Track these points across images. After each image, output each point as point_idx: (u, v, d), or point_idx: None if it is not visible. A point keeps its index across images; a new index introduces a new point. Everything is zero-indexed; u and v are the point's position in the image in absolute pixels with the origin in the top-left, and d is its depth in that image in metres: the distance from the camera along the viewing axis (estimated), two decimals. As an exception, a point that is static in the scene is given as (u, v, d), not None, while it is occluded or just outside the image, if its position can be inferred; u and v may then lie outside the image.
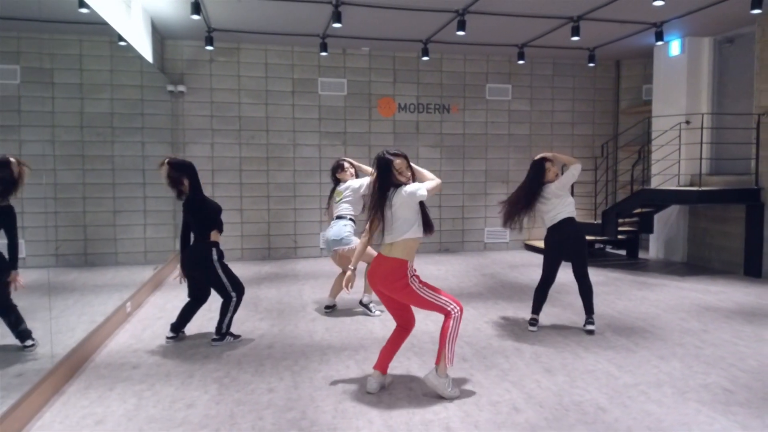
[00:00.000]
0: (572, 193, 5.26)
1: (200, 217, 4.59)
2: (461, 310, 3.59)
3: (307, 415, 3.31)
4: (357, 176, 5.58)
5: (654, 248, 8.90)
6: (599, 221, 8.17)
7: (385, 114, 9.11)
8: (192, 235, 4.70)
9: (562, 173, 4.96)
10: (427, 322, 5.03)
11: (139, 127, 7.10)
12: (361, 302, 5.54)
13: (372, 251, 5.33)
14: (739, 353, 4.38)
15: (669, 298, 6.15)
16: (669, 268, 8.02)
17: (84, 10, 4.87)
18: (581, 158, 9.19)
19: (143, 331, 4.98)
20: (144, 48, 6.74)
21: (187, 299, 4.79)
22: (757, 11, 5.96)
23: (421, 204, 3.60)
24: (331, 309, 5.63)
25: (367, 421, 3.24)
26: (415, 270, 3.60)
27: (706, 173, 7.74)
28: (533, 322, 5.02)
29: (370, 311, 5.46)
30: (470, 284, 6.96)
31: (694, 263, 8.22)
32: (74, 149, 5.87)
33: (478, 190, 9.57)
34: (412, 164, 3.65)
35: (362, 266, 5.57)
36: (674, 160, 7.71)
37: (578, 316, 5.28)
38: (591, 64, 8.94)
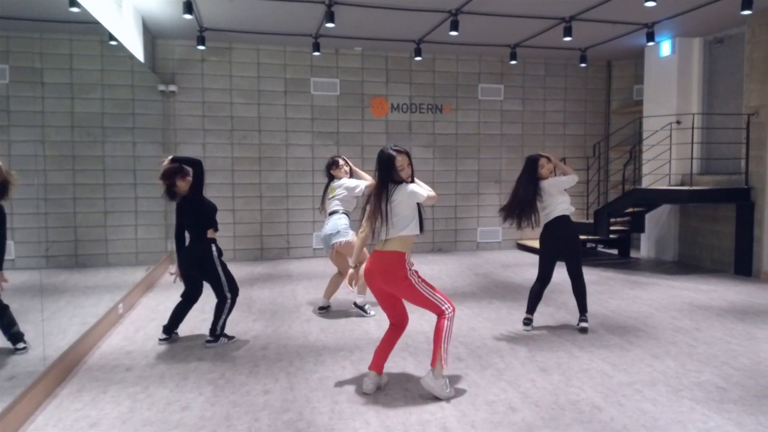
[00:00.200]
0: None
1: (199, 217, 4.56)
2: (454, 310, 3.63)
3: (304, 417, 3.29)
4: (351, 175, 5.56)
5: (645, 247, 8.96)
6: (591, 221, 8.21)
7: (378, 114, 9.10)
8: (188, 235, 4.67)
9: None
10: (421, 322, 5.03)
11: (130, 127, 7.04)
12: (355, 304, 5.52)
13: (365, 252, 5.34)
14: (731, 351, 4.41)
15: (661, 297, 6.19)
16: (660, 267, 8.08)
17: (74, 9, 4.82)
18: (573, 158, 9.26)
19: (136, 333, 4.94)
20: (135, 47, 6.68)
21: (178, 300, 4.76)
22: (747, 12, 6.01)
23: (418, 204, 3.62)
24: (325, 310, 5.62)
25: (364, 421, 3.23)
26: (413, 264, 3.61)
27: (696, 173, 7.80)
28: (527, 321, 5.04)
29: (366, 312, 5.45)
30: (464, 284, 6.97)
31: (685, 262, 8.29)
32: (64, 149, 5.81)
33: (471, 189, 9.59)
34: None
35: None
36: (665, 160, 7.76)
37: (572, 315, 5.30)
38: (583, 65, 8.98)
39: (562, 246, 4.92)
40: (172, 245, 8.24)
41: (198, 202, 4.57)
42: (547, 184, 4.86)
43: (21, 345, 3.79)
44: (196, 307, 4.83)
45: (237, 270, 7.61)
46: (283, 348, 4.53)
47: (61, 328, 4.48)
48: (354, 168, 5.60)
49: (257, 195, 8.68)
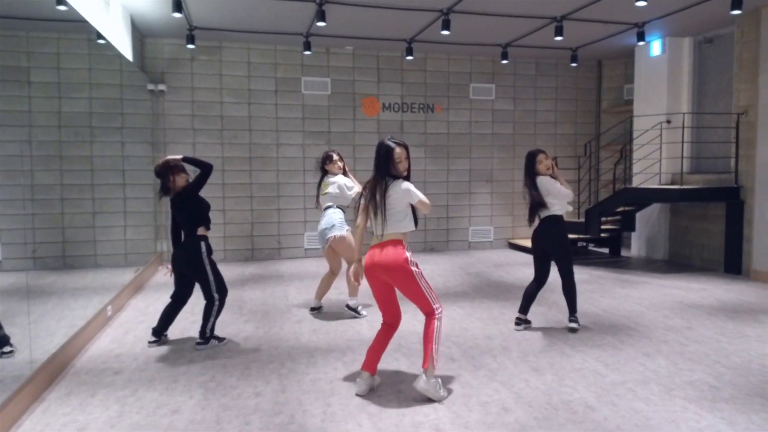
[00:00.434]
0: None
1: (191, 214, 4.51)
2: (442, 311, 3.63)
3: (296, 419, 3.26)
4: (345, 171, 5.50)
5: (636, 246, 9.00)
6: (582, 220, 8.23)
7: (370, 113, 9.07)
8: (183, 233, 4.62)
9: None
10: (413, 322, 5.01)
11: (119, 127, 6.98)
12: (348, 306, 5.48)
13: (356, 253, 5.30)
14: (722, 350, 4.43)
15: (652, 296, 6.22)
16: (651, 265, 8.12)
17: (62, 7, 4.76)
18: (564, 157, 9.27)
19: (125, 335, 4.87)
20: (123, 46, 6.61)
21: (168, 301, 4.71)
22: (736, 12, 6.04)
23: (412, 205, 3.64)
24: (316, 311, 5.58)
25: (357, 424, 3.21)
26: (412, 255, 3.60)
27: (686, 172, 7.84)
28: (518, 321, 5.03)
29: (358, 313, 5.41)
30: (456, 283, 6.96)
31: (676, 261, 8.33)
32: (52, 149, 5.75)
33: (463, 189, 9.59)
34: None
35: (344, 267, 5.55)
36: (655, 159, 7.80)
37: (564, 315, 5.28)
38: (573, 64, 9.00)
39: (551, 245, 4.92)
40: (161, 246, 8.22)
41: (192, 199, 4.53)
42: (538, 181, 4.85)
43: (7, 349, 3.73)
44: (185, 308, 4.78)
45: (228, 271, 7.58)
46: (274, 349, 4.49)
47: (49, 331, 4.42)
48: (347, 168, 5.56)
49: (248, 195, 8.62)
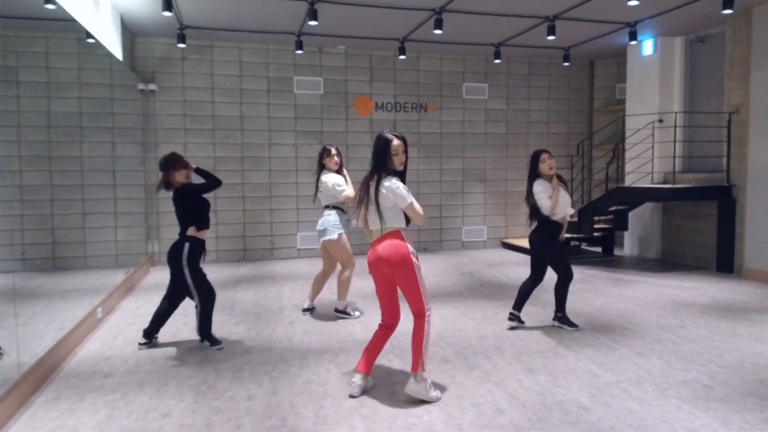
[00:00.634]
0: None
1: (184, 211, 4.44)
2: (431, 313, 3.59)
3: (288, 422, 3.23)
4: (341, 168, 5.36)
5: (629, 245, 9.02)
6: (575, 219, 8.23)
7: (362, 113, 9.04)
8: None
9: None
10: (407, 323, 4.96)
11: (109, 127, 6.91)
12: (336, 310, 5.42)
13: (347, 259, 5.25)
14: (716, 349, 4.43)
15: (645, 295, 6.22)
16: (644, 264, 8.13)
17: (50, 6, 4.70)
18: (557, 156, 9.20)
19: (115, 338, 4.82)
20: (113, 45, 6.54)
21: (161, 303, 4.65)
22: (728, 11, 6.05)
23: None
24: (309, 312, 5.54)
25: (349, 426, 3.17)
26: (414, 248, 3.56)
27: (679, 171, 7.86)
28: (511, 317, 5.01)
29: (350, 314, 5.38)
30: (449, 283, 6.94)
31: (668, 259, 8.35)
32: (41, 150, 5.69)
33: (456, 189, 9.57)
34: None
35: (338, 268, 5.51)
36: (648, 159, 7.81)
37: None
38: (566, 64, 9.00)
39: (540, 250, 4.92)
40: (152, 247, 8.15)
41: (189, 196, 4.45)
42: (534, 185, 4.82)
43: (-6, 352, 3.67)
44: (177, 311, 4.71)
45: (220, 271, 7.54)
46: (266, 351, 4.45)
47: (38, 334, 4.36)
48: (343, 164, 5.45)
49: (240, 195, 8.57)
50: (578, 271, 7.45)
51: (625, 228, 8.73)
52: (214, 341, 4.53)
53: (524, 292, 5.03)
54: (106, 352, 4.46)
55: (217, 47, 8.37)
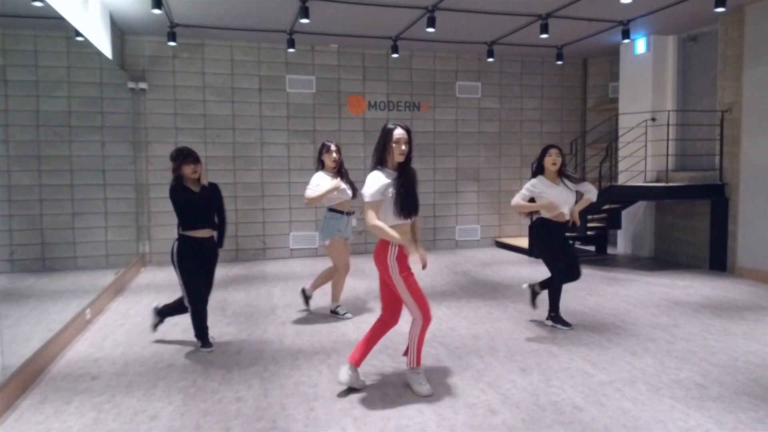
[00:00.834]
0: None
1: (179, 209, 4.37)
2: (427, 320, 3.55)
3: (278, 425, 3.18)
4: (341, 166, 5.21)
5: (622, 244, 9.02)
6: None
7: (355, 112, 8.99)
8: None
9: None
10: (400, 323, 4.93)
11: (99, 126, 6.83)
12: (331, 311, 5.38)
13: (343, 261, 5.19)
14: (709, 347, 4.42)
15: (639, 293, 6.21)
16: (637, 263, 8.13)
17: (38, 4, 4.64)
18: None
19: (104, 340, 4.75)
20: (103, 44, 6.47)
21: (154, 303, 4.61)
22: (720, 10, 6.05)
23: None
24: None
25: (341, 428, 3.13)
26: (406, 256, 3.50)
27: (672, 169, 7.86)
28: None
29: (341, 315, 5.33)
30: (443, 282, 6.90)
31: (661, 258, 8.35)
32: (30, 149, 5.62)
33: (449, 188, 9.54)
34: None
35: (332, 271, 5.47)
36: (641, 157, 7.80)
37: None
38: (559, 62, 8.99)
39: (536, 246, 4.94)
40: (143, 247, 8.08)
41: (185, 192, 4.35)
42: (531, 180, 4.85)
43: (-21, 355, 3.60)
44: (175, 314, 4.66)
45: (211, 272, 7.47)
46: (257, 352, 4.40)
47: (25, 336, 4.29)
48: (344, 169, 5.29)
49: (232, 195, 8.50)
50: (572, 270, 7.46)
51: (619, 227, 8.73)
52: (205, 343, 4.48)
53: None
54: (94, 354, 4.40)
55: (208, 45, 8.30)
